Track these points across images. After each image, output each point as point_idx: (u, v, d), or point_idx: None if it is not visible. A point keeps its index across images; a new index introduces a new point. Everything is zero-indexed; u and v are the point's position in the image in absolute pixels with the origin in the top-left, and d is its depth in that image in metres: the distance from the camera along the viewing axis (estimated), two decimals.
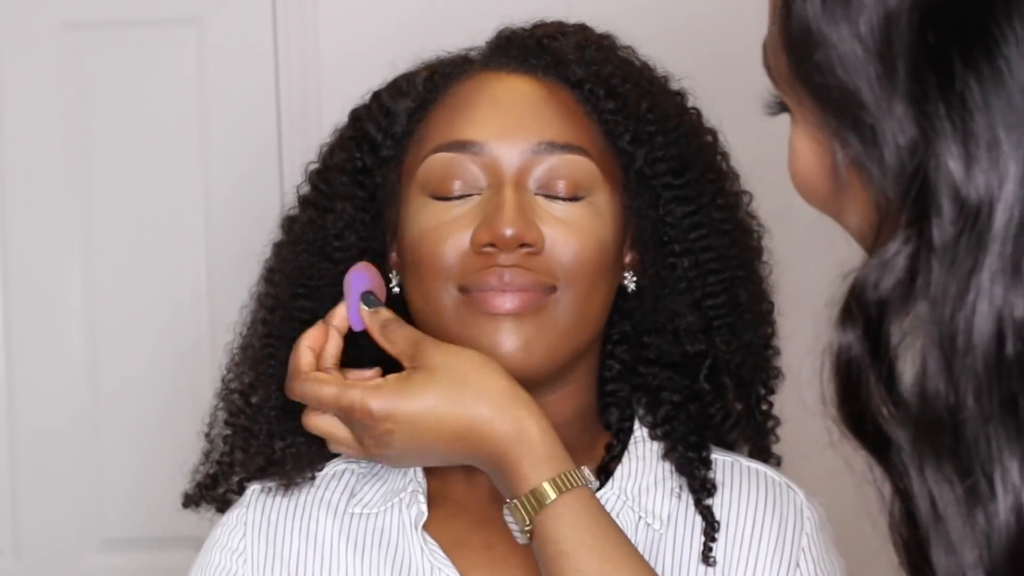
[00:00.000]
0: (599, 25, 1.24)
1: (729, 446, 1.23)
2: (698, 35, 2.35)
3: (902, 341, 0.74)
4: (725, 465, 1.19)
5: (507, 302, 1.10)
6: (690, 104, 1.23)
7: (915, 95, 0.72)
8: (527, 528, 1.04)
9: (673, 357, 1.20)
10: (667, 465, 1.19)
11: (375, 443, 1.07)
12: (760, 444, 1.25)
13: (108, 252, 2.54)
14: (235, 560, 1.20)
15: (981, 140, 0.70)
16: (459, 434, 1.05)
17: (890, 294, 0.73)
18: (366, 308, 1.13)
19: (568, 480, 1.04)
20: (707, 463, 1.18)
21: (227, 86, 2.52)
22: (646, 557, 1.11)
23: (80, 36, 2.53)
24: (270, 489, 1.22)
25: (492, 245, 1.10)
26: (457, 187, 1.13)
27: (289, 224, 1.24)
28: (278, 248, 1.24)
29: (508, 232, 1.09)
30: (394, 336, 1.10)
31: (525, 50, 1.19)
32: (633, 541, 1.11)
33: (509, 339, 1.10)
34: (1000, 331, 0.69)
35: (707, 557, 1.14)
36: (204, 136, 2.52)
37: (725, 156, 1.23)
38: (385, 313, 1.12)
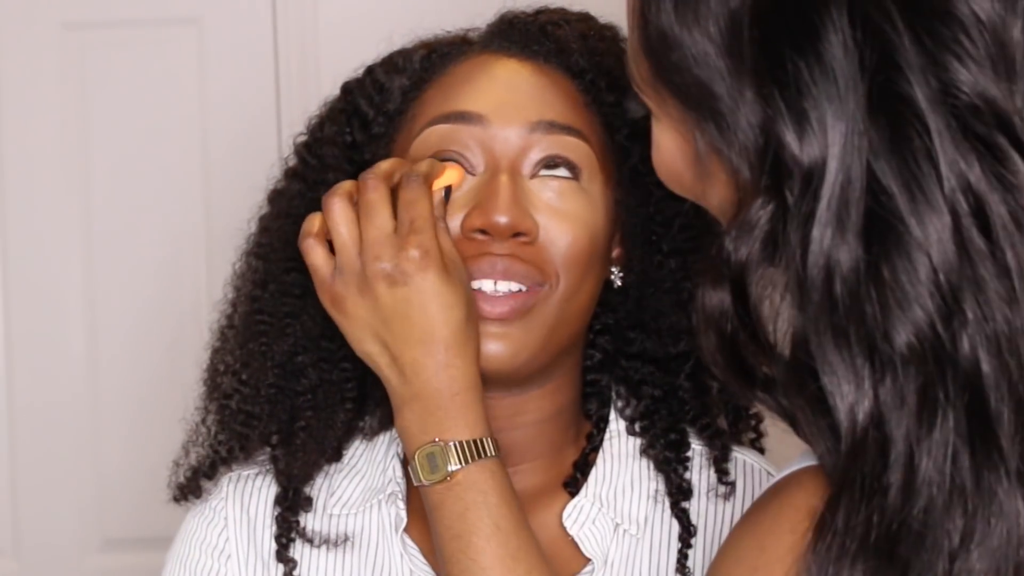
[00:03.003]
0: (601, 16, 1.21)
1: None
2: None
3: (768, 294, 0.87)
4: (704, 459, 1.18)
5: (497, 306, 1.08)
6: None
7: (758, 82, 0.85)
8: (447, 472, 1.01)
9: (656, 353, 1.18)
10: (644, 463, 1.17)
11: (393, 264, 1.03)
12: (742, 442, 1.23)
13: (108, 252, 2.54)
14: (218, 559, 1.17)
15: (811, 114, 0.83)
16: (444, 339, 1.03)
17: (753, 253, 0.86)
18: (441, 198, 1.09)
19: (487, 448, 1.03)
20: (685, 463, 1.16)
21: (227, 86, 2.52)
22: (624, 563, 1.12)
23: (80, 36, 2.53)
24: (248, 476, 1.19)
25: (484, 232, 1.08)
26: (454, 156, 1.10)
27: (276, 197, 1.20)
28: (265, 221, 1.20)
29: (503, 220, 1.08)
30: (437, 234, 1.06)
31: (527, 35, 1.16)
32: (610, 549, 1.12)
33: (494, 344, 1.08)
34: (829, 275, 0.83)
35: (683, 566, 1.13)
36: (204, 136, 2.53)
37: None
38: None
